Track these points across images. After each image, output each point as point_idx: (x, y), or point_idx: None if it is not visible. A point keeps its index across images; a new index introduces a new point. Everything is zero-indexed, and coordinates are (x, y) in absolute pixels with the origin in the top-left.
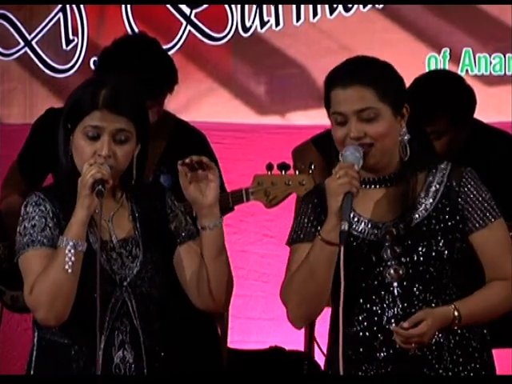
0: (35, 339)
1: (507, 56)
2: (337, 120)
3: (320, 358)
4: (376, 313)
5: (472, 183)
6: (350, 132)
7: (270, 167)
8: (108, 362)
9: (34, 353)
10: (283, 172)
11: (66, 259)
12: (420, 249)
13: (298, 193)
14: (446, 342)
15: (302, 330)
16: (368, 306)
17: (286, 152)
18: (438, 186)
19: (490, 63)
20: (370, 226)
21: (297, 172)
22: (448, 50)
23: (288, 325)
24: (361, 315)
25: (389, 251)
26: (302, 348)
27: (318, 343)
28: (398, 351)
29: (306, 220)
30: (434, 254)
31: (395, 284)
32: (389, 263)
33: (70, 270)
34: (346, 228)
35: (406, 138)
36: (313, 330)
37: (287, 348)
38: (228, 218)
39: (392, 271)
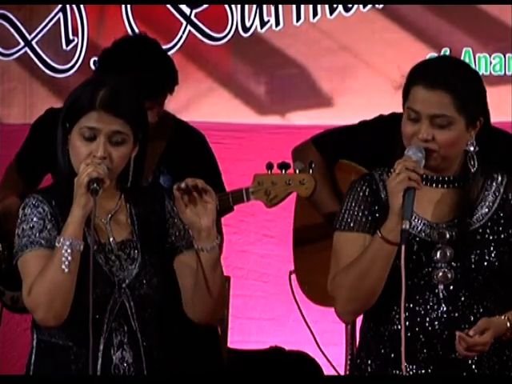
0: (34, 341)
1: (507, 56)
2: (410, 115)
3: (320, 358)
4: (419, 313)
5: None
6: (419, 132)
7: (270, 166)
8: (107, 363)
9: (33, 355)
10: (283, 171)
11: (63, 259)
12: (473, 256)
13: (299, 192)
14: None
15: (302, 330)
16: (411, 305)
17: (286, 152)
18: (494, 197)
19: (490, 63)
20: (423, 224)
21: (297, 171)
22: (448, 50)
23: (288, 325)
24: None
25: (440, 253)
26: (302, 348)
27: (317, 342)
28: (439, 353)
29: (356, 208)
30: (485, 263)
31: (441, 287)
32: (438, 265)
33: (66, 270)
34: (408, 227)
35: (471, 148)
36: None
37: (287, 348)
38: (228, 218)
39: (441, 273)
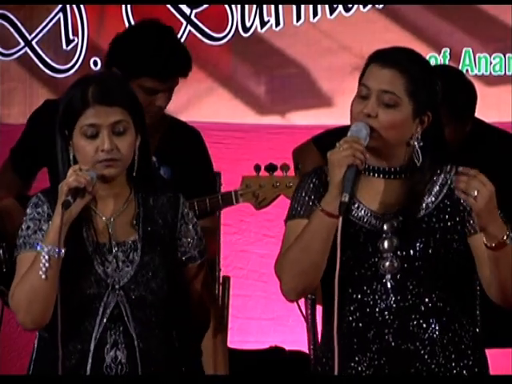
0: (36, 339)
1: (507, 56)
2: (361, 92)
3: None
4: (368, 304)
5: None
6: (365, 108)
7: (257, 168)
8: (99, 362)
9: (35, 352)
10: (271, 173)
11: (41, 265)
12: (418, 244)
13: (286, 194)
14: (439, 337)
15: (302, 330)
16: (359, 296)
17: (286, 152)
18: (441, 187)
19: (490, 63)
20: (369, 214)
21: (284, 173)
22: (448, 50)
23: (288, 325)
24: (352, 305)
25: (386, 243)
26: (302, 348)
27: (318, 342)
28: (392, 344)
29: (306, 198)
30: (430, 251)
31: (388, 276)
32: (385, 255)
33: (43, 276)
34: (347, 200)
35: (416, 143)
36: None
37: (287, 348)
38: (228, 218)
39: (387, 263)
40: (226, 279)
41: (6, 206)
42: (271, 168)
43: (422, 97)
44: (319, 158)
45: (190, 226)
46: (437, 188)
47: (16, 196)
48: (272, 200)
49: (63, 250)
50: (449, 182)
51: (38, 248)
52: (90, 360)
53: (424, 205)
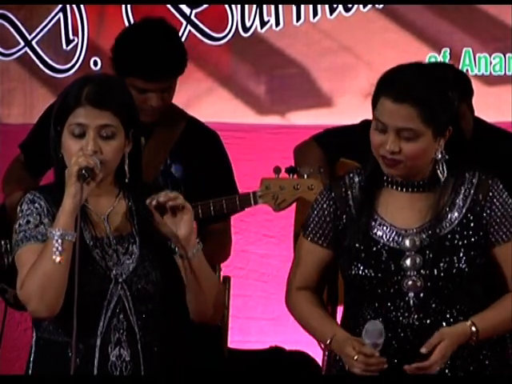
0: (33, 339)
1: (507, 56)
2: (378, 126)
3: (320, 358)
4: (391, 320)
5: (498, 197)
6: (386, 143)
7: (277, 170)
8: (104, 360)
9: (32, 353)
10: (291, 175)
11: (54, 249)
12: (441, 264)
13: (307, 197)
14: (460, 352)
15: (302, 330)
16: (383, 311)
17: (286, 152)
18: (464, 199)
19: (490, 63)
20: (390, 231)
21: (305, 176)
22: (448, 50)
23: (288, 325)
24: (377, 319)
25: (409, 261)
26: (302, 348)
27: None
28: (412, 358)
29: (324, 224)
30: (454, 270)
31: (411, 294)
32: (408, 273)
33: (57, 260)
34: None
35: (440, 157)
36: None
37: (287, 348)
38: (231, 220)
39: (410, 282)
40: (226, 279)
41: (16, 199)
42: (292, 170)
43: (439, 119)
44: (321, 156)
45: None
46: (460, 202)
47: (25, 191)
48: (292, 202)
49: (75, 234)
50: (471, 192)
51: (51, 235)
52: (97, 356)
53: (447, 220)
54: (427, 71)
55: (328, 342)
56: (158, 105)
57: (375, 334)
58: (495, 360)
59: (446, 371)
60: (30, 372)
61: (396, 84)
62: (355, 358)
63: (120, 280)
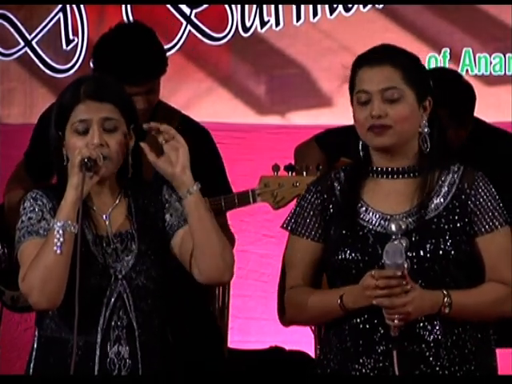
0: (35, 337)
1: (507, 56)
2: (360, 99)
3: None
4: (377, 305)
5: (483, 187)
6: (372, 111)
7: (276, 168)
8: (103, 357)
9: (34, 351)
10: (290, 173)
11: (55, 240)
12: (427, 246)
13: None
14: (443, 340)
15: (302, 330)
16: None
17: (286, 152)
18: (449, 187)
19: (490, 63)
20: (377, 216)
21: (304, 173)
22: (448, 50)
23: None
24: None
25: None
26: (302, 348)
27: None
28: (398, 346)
29: (308, 219)
30: (440, 252)
31: None
32: None
33: (58, 251)
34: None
35: (426, 130)
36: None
37: (287, 348)
38: (228, 218)
39: None
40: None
41: (13, 197)
42: (290, 168)
43: (419, 82)
44: (321, 156)
45: (172, 200)
46: (445, 189)
47: (26, 191)
48: (291, 200)
49: (77, 226)
50: (457, 181)
51: (52, 226)
52: (97, 353)
53: (433, 205)
54: (396, 46)
55: (339, 301)
56: (145, 107)
57: (396, 254)
58: (480, 356)
59: (431, 359)
60: (30, 370)
61: (369, 54)
62: (377, 283)
63: (119, 276)
